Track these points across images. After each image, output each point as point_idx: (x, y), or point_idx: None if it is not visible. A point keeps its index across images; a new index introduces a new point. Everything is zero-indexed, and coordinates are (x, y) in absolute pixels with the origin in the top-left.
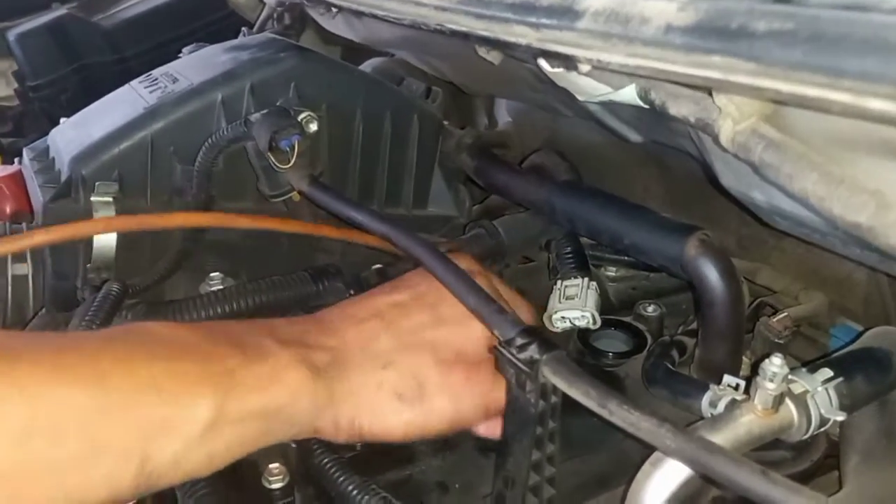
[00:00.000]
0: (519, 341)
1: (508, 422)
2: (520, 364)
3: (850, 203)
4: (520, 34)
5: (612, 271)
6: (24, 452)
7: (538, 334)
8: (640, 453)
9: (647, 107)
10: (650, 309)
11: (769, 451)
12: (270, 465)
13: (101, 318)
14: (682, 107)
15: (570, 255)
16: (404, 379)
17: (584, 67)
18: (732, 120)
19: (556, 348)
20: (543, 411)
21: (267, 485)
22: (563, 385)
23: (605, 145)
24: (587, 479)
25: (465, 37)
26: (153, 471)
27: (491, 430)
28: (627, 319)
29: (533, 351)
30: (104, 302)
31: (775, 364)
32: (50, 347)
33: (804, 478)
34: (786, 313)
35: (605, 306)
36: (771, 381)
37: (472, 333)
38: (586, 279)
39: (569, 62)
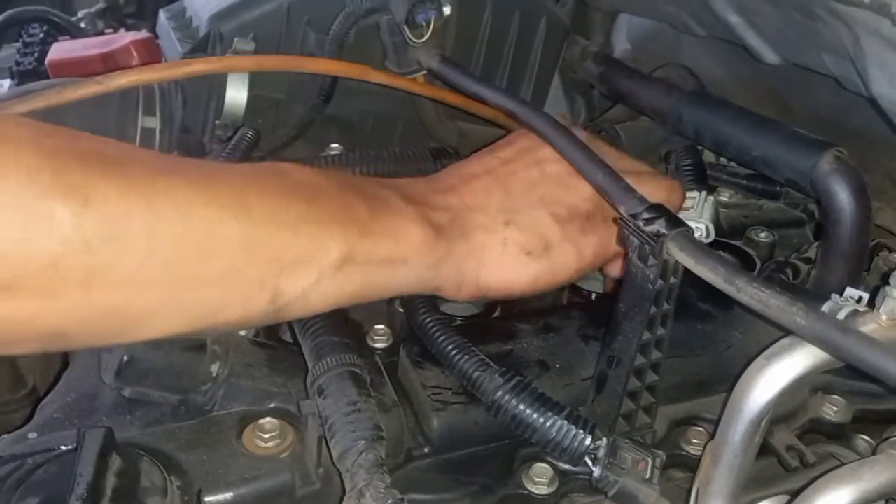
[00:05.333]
0: (646, 215)
1: (623, 299)
2: (645, 237)
3: None
4: None
5: (725, 196)
6: (175, 264)
7: (665, 211)
8: (742, 363)
9: None
10: (762, 235)
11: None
12: (376, 326)
13: (237, 158)
14: None
15: (689, 167)
16: (527, 235)
17: None
18: None
19: (684, 226)
20: (661, 290)
21: (371, 343)
22: (689, 261)
23: (724, 79)
24: (685, 381)
25: None
26: (284, 304)
27: (616, 267)
28: (737, 243)
29: (660, 225)
30: (240, 143)
31: None
32: (200, 173)
33: None
34: None
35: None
36: None
37: (580, 191)
38: (704, 192)
39: None
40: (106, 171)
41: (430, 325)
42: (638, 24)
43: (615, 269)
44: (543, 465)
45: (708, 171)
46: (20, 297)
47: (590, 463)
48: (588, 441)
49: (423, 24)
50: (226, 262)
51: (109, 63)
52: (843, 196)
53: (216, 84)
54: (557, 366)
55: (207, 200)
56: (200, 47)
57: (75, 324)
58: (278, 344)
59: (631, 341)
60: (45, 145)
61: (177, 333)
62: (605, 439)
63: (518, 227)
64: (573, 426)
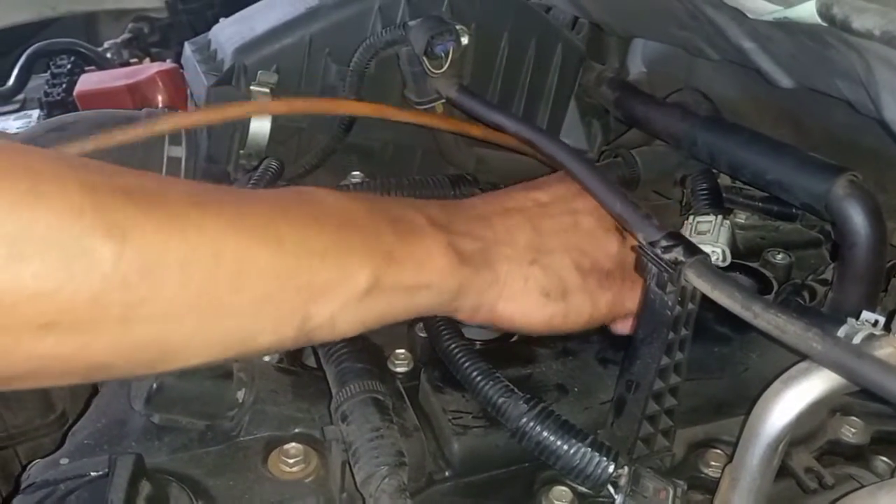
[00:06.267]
0: (664, 243)
1: (641, 324)
2: (663, 264)
3: None
4: None
5: (741, 218)
6: (208, 295)
7: (683, 238)
8: (759, 385)
9: (824, 24)
10: (779, 257)
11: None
12: (397, 351)
13: (262, 188)
14: (866, 20)
15: (704, 191)
16: (549, 277)
17: None
18: None
19: (701, 253)
20: (679, 316)
21: (392, 368)
22: (706, 287)
23: (739, 100)
24: (703, 403)
25: None
26: (312, 328)
27: (625, 326)
28: (754, 265)
29: (678, 253)
30: (265, 174)
31: None
32: (231, 204)
33: None
34: None
35: (731, 251)
36: None
37: (606, 247)
38: (720, 216)
39: None
40: (144, 205)
41: (456, 350)
42: (652, 47)
43: (623, 327)
44: (563, 488)
45: (724, 194)
46: (64, 333)
47: (612, 490)
48: (611, 469)
49: (442, 55)
50: (258, 290)
51: (136, 94)
52: (858, 220)
53: None
54: (576, 389)
55: (237, 231)
56: (225, 79)
57: (116, 356)
58: (302, 370)
59: (649, 366)
60: (89, 182)
61: (212, 360)
62: (627, 468)
63: (541, 267)
64: (597, 453)
